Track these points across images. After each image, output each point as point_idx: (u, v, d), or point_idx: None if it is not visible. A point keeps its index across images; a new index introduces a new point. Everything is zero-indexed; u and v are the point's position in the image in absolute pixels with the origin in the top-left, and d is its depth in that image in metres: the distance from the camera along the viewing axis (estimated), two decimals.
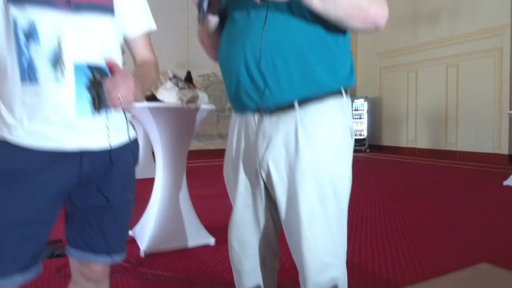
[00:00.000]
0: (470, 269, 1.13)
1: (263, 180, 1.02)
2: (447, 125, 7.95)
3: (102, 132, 0.90)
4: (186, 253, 2.25)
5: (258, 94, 0.95)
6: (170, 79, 2.29)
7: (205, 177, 5.13)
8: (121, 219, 0.96)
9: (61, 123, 0.85)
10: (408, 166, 6.73)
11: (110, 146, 0.91)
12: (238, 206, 1.08)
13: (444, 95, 7.99)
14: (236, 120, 1.09)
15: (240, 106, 1.03)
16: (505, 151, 6.91)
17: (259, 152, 1.00)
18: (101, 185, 0.92)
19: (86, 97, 0.87)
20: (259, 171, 1.01)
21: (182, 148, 2.35)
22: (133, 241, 2.40)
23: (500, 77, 7.00)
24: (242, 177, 1.06)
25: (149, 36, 1.06)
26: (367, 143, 9.32)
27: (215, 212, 3.16)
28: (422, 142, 8.50)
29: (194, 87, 2.49)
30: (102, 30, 0.92)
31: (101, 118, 0.90)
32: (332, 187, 0.97)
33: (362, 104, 9.37)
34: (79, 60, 0.87)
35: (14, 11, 0.82)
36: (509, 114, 4.78)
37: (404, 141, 8.93)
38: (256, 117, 1.00)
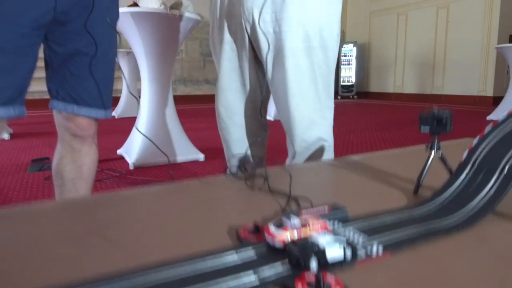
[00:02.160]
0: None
1: (248, 35, 0.97)
2: (434, 70, 7.94)
3: None
4: (176, 166, 2.25)
5: None
6: None
7: (193, 116, 5.07)
8: (104, 68, 0.91)
9: None
10: (395, 108, 6.78)
11: None
12: (224, 69, 1.03)
13: (433, 39, 7.91)
14: None
15: None
16: (490, 93, 6.98)
17: (244, 2, 0.94)
18: (80, 28, 0.86)
19: None
20: (244, 25, 0.96)
21: (167, 61, 2.27)
22: (122, 158, 2.38)
23: (489, 20, 6.92)
24: (227, 37, 1.00)
25: None
26: (355, 89, 9.29)
27: (205, 140, 3.15)
28: (409, 87, 8.52)
29: None
30: None
31: None
32: (320, 40, 0.93)
33: (351, 50, 9.24)
34: None
35: None
36: (497, 48, 4.76)
37: (391, 87, 8.93)
38: None
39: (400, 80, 8.69)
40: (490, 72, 6.98)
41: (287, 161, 1.03)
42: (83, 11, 0.85)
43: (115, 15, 0.93)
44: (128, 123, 2.42)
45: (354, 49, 9.19)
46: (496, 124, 0.60)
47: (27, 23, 0.78)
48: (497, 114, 4.55)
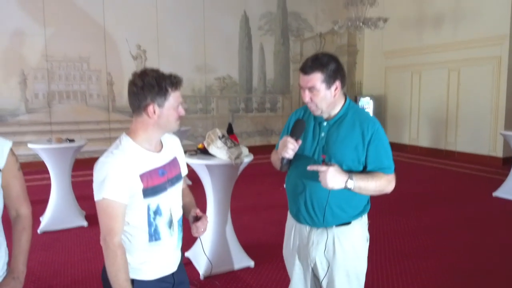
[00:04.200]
0: None
1: (311, 267, 1.63)
2: (447, 126, 8.47)
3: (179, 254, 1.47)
4: (233, 276, 2.88)
5: (310, 221, 1.57)
6: (219, 137, 2.85)
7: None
8: None
9: (170, 259, 1.39)
10: (410, 168, 7.29)
11: (182, 258, 1.48)
12: (295, 280, 1.69)
13: (445, 98, 8.47)
14: (293, 223, 1.68)
15: (297, 220, 1.63)
16: (499, 154, 7.46)
17: (309, 251, 1.60)
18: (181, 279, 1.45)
19: (180, 237, 1.42)
20: (309, 262, 1.62)
21: (227, 192, 2.94)
22: (190, 263, 3.03)
23: (497, 84, 7.47)
24: (297, 262, 1.67)
25: None
26: None
27: (250, 231, 3.80)
28: (424, 140, 9.05)
29: (236, 140, 3.05)
30: (181, 188, 1.45)
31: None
32: (356, 275, 1.58)
33: (367, 102, 9.87)
34: (178, 215, 1.40)
35: (148, 201, 1.28)
36: (502, 134, 5.30)
37: (407, 139, 9.47)
38: (307, 228, 1.61)
39: (415, 133, 9.24)
40: (500, 134, 7.47)
41: None
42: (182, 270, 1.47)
43: None
44: None
45: (371, 101, 9.82)
46: None
47: None
48: (503, 192, 5.06)
